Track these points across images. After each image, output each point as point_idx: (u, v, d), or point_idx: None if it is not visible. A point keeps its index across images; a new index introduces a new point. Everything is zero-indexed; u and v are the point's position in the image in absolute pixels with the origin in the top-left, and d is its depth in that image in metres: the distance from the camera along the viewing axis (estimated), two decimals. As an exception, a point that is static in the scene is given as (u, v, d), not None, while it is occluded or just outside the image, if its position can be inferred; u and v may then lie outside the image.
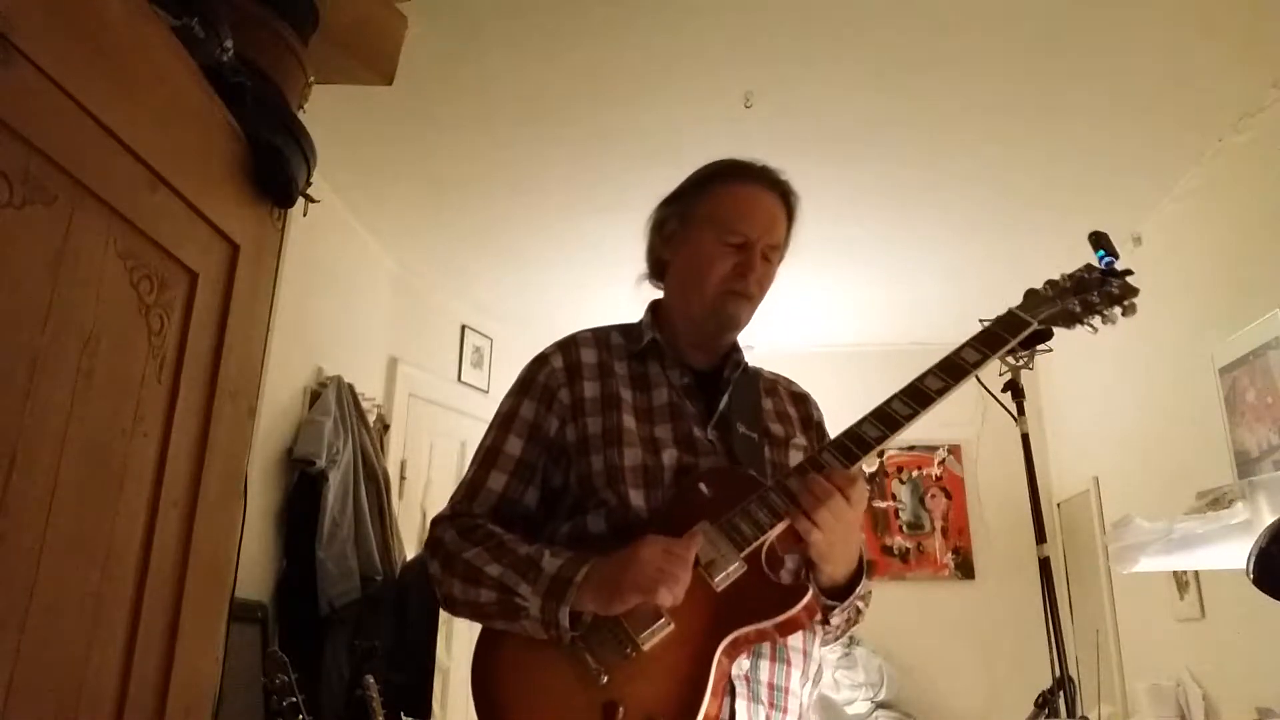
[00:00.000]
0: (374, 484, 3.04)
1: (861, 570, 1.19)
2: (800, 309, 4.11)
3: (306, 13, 1.62)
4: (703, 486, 1.17)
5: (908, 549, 4.40)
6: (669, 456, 1.21)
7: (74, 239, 0.97)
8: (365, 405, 3.19)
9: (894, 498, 4.47)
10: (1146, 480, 3.26)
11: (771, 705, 1.13)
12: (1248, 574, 1.57)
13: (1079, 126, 2.68)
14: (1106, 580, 3.60)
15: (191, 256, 1.20)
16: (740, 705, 1.10)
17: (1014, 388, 2.00)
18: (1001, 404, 2.03)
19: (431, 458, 3.89)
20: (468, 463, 1.30)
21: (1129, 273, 1.35)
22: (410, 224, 3.47)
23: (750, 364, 1.38)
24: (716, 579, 1.07)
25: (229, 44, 1.29)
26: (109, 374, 1.03)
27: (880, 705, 4.00)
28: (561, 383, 1.28)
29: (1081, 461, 3.94)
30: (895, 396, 1.18)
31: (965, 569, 4.35)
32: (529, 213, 3.32)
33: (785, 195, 1.33)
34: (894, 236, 3.46)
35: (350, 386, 3.07)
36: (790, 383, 1.45)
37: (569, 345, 1.33)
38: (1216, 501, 2.20)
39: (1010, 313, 1.30)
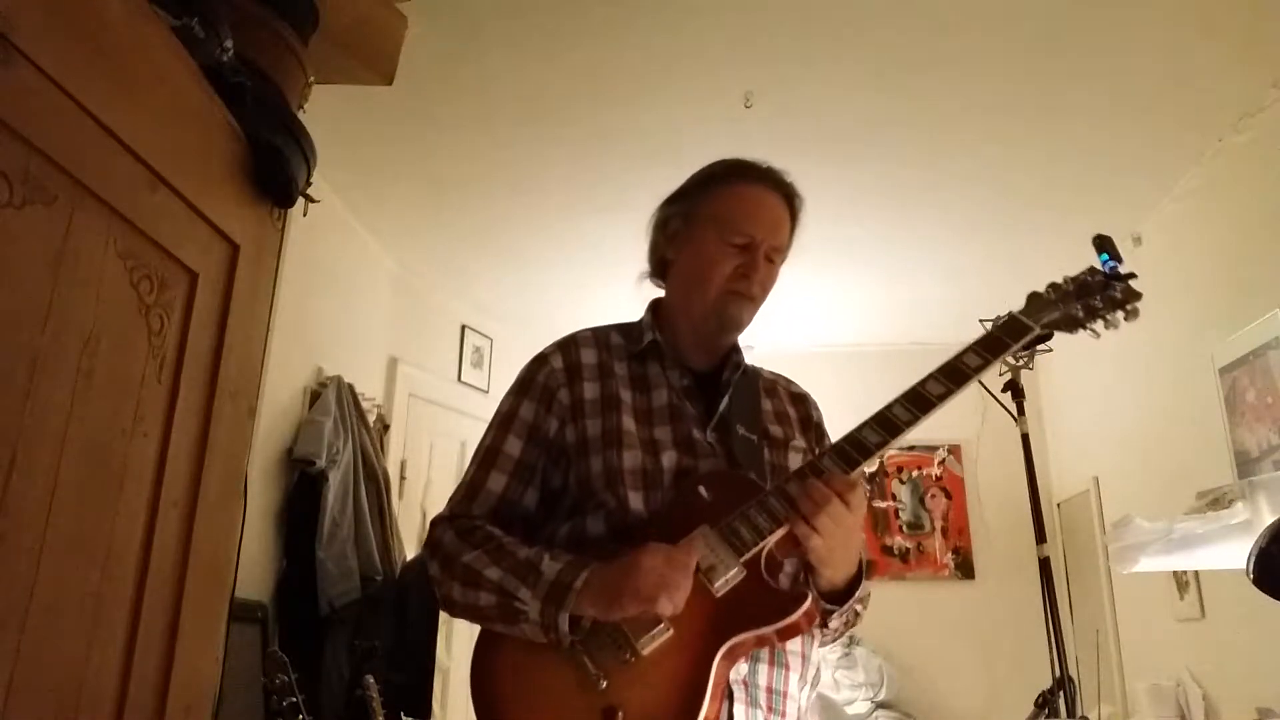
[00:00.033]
0: (374, 484, 3.04)
1: (861, 574, 1.19)
2: (800, 309, 4.11)
3: (306, 13, 1.62)
4: (702, 490, 1.16)
5: (908, 549, 4.40)
6: (668, 459, 1.21)
7: (74, 239, 0.97)
8: (365, 405, 3.19)
9: (894, 498, 4.47)
10: (1146, 480, 3.26)
11: (770, 709, 1.13)
12: (1248, 574, 1.57)
13: (1079, 126, 2.68)
14: (1106, 580, 3.60)
15: (191, 256, 1.20)
16: (739, 710, 1.10)
17: (1014, 388, 2.00)
18: (1001, 404, 2.03)
19: (431, 458, 3.89)
20: (467, 463, 1.30)
21: (1132, 276, 1.34)
22: (410, 224, 3.47)
23: (750, 363, 1.38)
24: (716, 584, 1.07)
25: (229, 44, 1.29)
26: (109, 374, 1.03)
27: (880, 705, 4.00)
28: (561, 383, 1.27)
29: (1081, 461, 3.94)
30: (896, 401, 1.18)
31: (965, 569, 4.35)
32: (529, 212, 3.32)
33: (790, 198, 1.33)
34: (894, 236, 3.46)
35: (350, 386, 3.07)
36: (790, 382, 1.45)
37: (569, 345, 1.32)
38: (1216, 501, 2.20)
39: (1012, 317, 1.29)
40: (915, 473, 4.49)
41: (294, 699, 1.84)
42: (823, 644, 1.25)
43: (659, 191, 1.39)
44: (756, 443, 1.27)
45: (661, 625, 1.05)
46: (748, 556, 1.09)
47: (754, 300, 1.30)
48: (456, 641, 3.51)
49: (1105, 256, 1.34)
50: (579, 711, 1.04)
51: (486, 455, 1.26)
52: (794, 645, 1.16)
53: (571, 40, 2.36)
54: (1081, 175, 2.96)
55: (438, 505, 1.29)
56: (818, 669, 1.26)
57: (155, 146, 1.10)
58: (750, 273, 1.27)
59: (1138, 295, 1.33)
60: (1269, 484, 2.05)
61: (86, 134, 0.98)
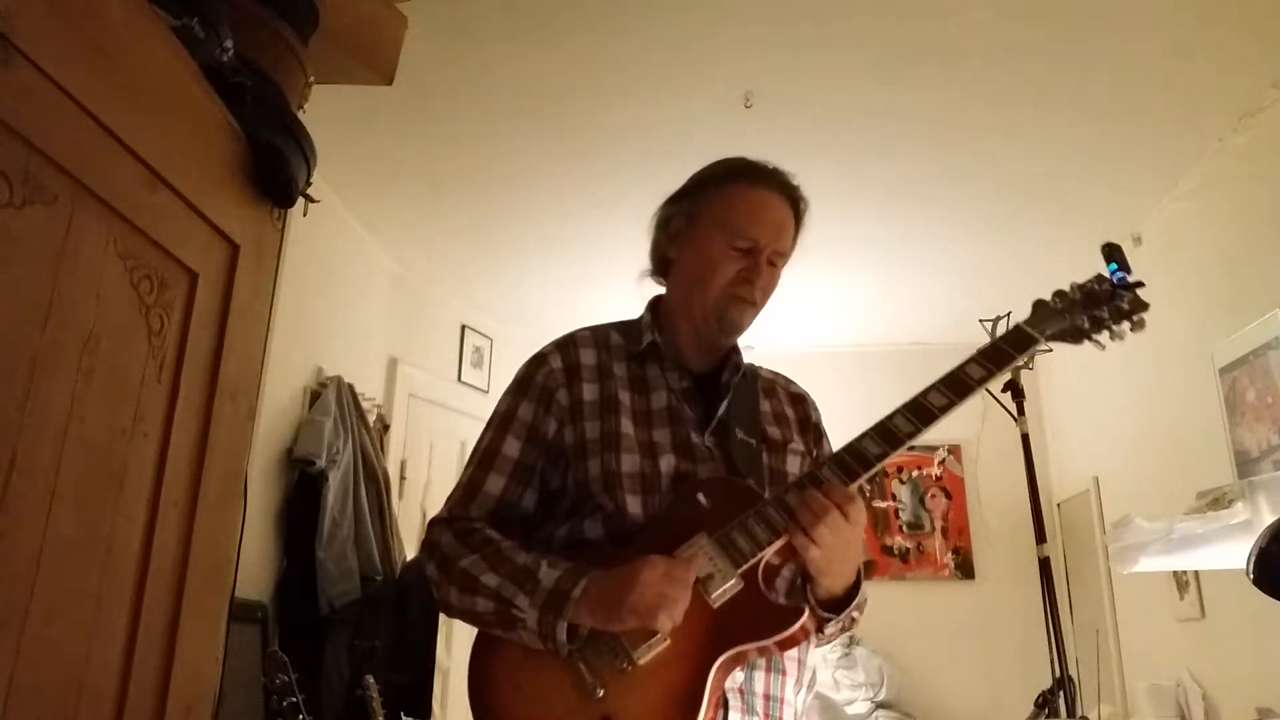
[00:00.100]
0: (374, 484, 3.04)
1: (859, 583, 1.19)
2: (801, 309, 4.11)
3: (306, 13, 1.62)
4: (701, 497, 1.16)
5: (908, 549, 4.40)
6: (667, 463, 1.20)
7: (74, 239, 0.97)
8: (365, 405, 3.19)
9: (894, 498, 4.47)
10: (1146, 480, 3.26)
11: (766, 716, 1.13)
12: (1248, 574, 1.57)
13: (1079, 126, 2.68)
14: (1106, 580, 3.60)
15: (191, 256, 1.20)
16: (734, 718, 1.10)
17: (1014, 388, 2.00)
18: (1001, 404, 2.03)
19: (431, 458, 3.89)
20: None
21: (1140, 285, 1.32)
22: (410, 223, 3.47)
23: (748, 362, 1.37)
24: (713, 595, 1.07)
25: (229, 44, 1.29)
26: (109, 374, 1.03)
27: (880, 705, 4.00)
28: (560, 384, 1.26)
29: (1081, 461, 3.94)
30: (898, 412, 1.16)
31: (965, 569, 4.35)
32: (529, 211, 3.32)
33: (795, 201, 1.31)
34: (894, 234, 3.46)
35: (350, 386, 3.07)
36: (789, 382, 1.44)
37: (567, 345, 1.32)
38: (1216, 501, 2.20)
39: (1018, 327, 1.28)
40: (915, 473, 4.49)
41: (294, 699, 1.84)
42: (818, 645, 1.25)
43: (659, 189, 1.38)
44: (755, 446, 1.26)
45: (658, 635, 1.05)
46: (745, 568, 1.08)
47: (755, 305, 1.29)
48: (456, 641, 3.51)
49: (1114, 266, 1.33)
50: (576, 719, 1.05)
51: (485, 456, 1.25)
52: (790, 651, 1.16)
53: (571, 38, 2.37)
54: (1082, 174, 2.96)
55: (438, 505, 1.28)
56: (813, 671, 1.25)
57: (155, 146, 1.10)
58: (752, 278, 1.26)
59: (1145, 306, 1.31)
60: (1269, 484, 2.05)
61: (86, 134, 0.98)
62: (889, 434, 1.14)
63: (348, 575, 2.77)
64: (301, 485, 2.80)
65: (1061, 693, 1.74)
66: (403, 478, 3.62)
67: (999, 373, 1.22)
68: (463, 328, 4.20)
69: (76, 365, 0.98)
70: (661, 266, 1.38)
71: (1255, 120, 2.56)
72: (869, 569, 4.28)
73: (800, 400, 1.41)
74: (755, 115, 2.63)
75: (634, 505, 1.17)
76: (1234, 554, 1.89)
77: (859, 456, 1.13)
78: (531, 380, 1.29)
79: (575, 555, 1.14)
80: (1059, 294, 1.34)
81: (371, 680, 2.24)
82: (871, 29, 2.30)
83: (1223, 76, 2.42)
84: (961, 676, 4.16)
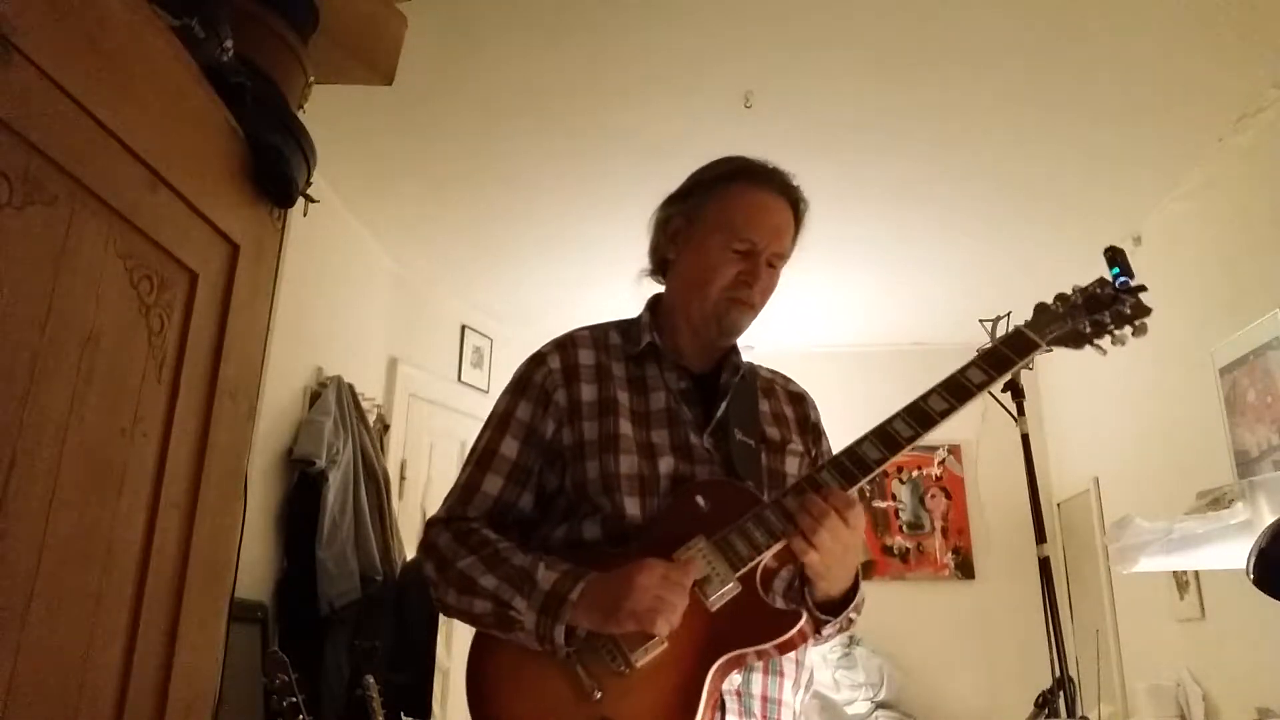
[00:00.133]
0: (374, 484, 3.04)
1: (857, 585, 1.19)
2: (801, 309, 4.11)
3: (306, 13, 1.62)
4: (699, 499, 1.16)
5: (908, 549, 4.40)
6: (665, 465, 1.20)
7: (74, 239, 0.97)
8: (365, 405, 3.19)
9: (894, 498, 4.47)
10: (1146, 480, 3.26)
11: (764, 717, 1.14)
12: (1248, 574, 1.57)
13: (1079, 126, 2.68)
14: (1106, 580, 3.60)
15: (191, 256, 1.19)
16: None
17: (1014, 388, 1.99)
18: (1001, 404, 2.02)
19: (431, 458, 3.89)
20: (465, 462, 1.29)
21: (1143, 289, 1.32)
22: (410, 223, 3.47)
23: (748, 361, 1.37)
24: (711, 598, 1.07)
25: (229, 44, 1.29)
26: (109, 374, 1.03)
27: (880, 705, 4.00)
28: (558, 384, 1.26)
29: (1081, 461, 3.94)
30: (898, 416, 1.17)
31: (965, 569, 4.35)
32: (529, 210, 3.32)
33: (795, 202, 1.31)
34: (895, 234, 3.46)
35: (350, 386, 3.07)
36: (788, 380, 1.43)
37: (566, 345, 1.31)
38: (1216, 501, 2.20)
39: (1019, 331, 1.28)
40: (915, 473, 4.49)
41: (294, 699, 1.84)
42: (815, 645, 1.25)
43: (659, 189, 1.38)
44: (754, 447, 1.26)
45: (655, 638, 1.05)
46: (743, 572, 1.09)
47: (754, 308, 1.29)
48: (456, 641, 3.51)
49: (1116, 270, 1.33)
50: None
51: (482, 456, 1.25)
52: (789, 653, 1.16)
53: (571, 38, 2.37)
54: (1082, 175, 2.96)
55: (437, 505, 1.28)
56: (811, 671, 1.25)
57: (155, 146, 1.10)
58: (751, 281, 1.26)
59: (1147, 311, 1.31)
60: (1269, 484, 2.05)
61: (86, 134, 0.98)
62: (888, 438, 1.14)
63: (348, 575, 2.77)
64: (301, 485, 2.80)
65: (1061, 693, 1.74)
66: (403, 478, 3.62)
67: (999, 378, 1.21)
68: (463, 328, 4.20)
69: (76, 365, 0.98)
70: (660, 267, 1.38)
71: (1255, 120, 2.56)
72: (868, 569, 4.28)
73: (799, 399, 1.40)
74: (755, 115, 2.63)
75: (632, 507, 1.17)
76: (1234, 554, 1.89)
77: (858, 460, 1.13)
78: (530, 380, 1.28)
79: (573, 556, 1.14)
80: (1060, 297, 1.33)
81: (371, 680, 2.24)
82: (872, 29, 2.30)
83: (1223, 76, 2.42)
84: (961, 676, 4.16)
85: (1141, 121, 2.65)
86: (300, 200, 1.47)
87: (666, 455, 1.21)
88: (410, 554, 3.19)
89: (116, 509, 1.06)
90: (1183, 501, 2.46)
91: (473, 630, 1.17)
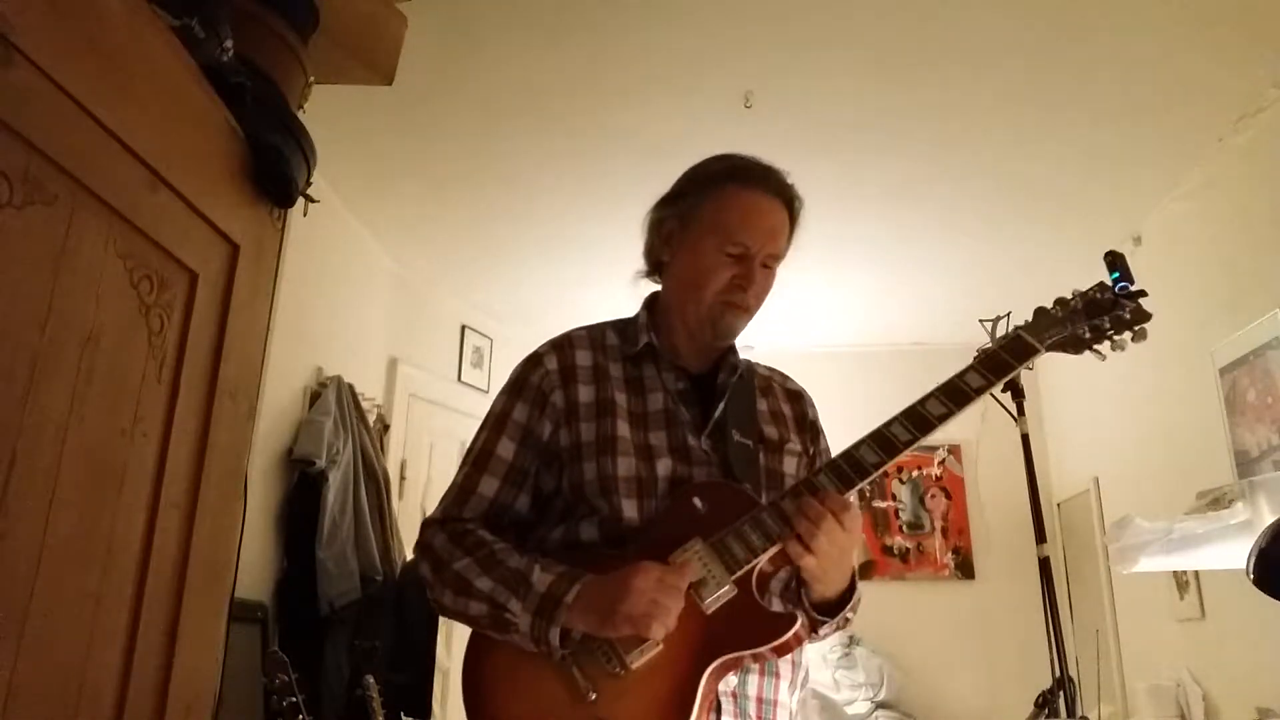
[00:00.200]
0: (374, 484, 3.04)
1: (854, 586, 1.19)
2: (801, 309, 4.11)
3: (306, 13, 1.62)
4: (697, 501, 1.15)
5: (908, 549, 4.40)
6: (663, 466, 1.20)
7: (74, 239, 0.97)
8: (365, 405, 3.19)
9: (894, 497, 4.47)
10: (1146, 480, 3.26)
11: (759, 719, 1.14)
12: (1248, 574, 1.57)
13: (1079, 126, 2.68)
14: (1106, 580, 3.60)
15: (191, 256, 1.20)
16: None
17: (1014, 388, 1.99)
18: (1001, 404, 2.02)
19: (431, 458, 3.89)
20: (464, 462, 1.29)
21: (1143, 294, 1.32)
22: (410, 223, 3.47)
23: (745, 359, 1.36)
24: (706, 601, 1.07)
25: (229, 44, 1.29)
26: (109, 374, 1.03)
27: (880, 705, 4.00)
28: (555, 385, 1.25)
29: (1081, 461, 3.94)
30: (895, 420, 1.17)
31: (965, 569, 4.35)
32: (529, 210, 3.32)
33: (789, 201, 1.29)
34: (894, 234, 3.46)
35: (350, 386, 3.07)
36: (786, 378, 1.43)
37: (563, 345, 1.31)
38: (1216, 501, 2.20)
39: (1018, 335, 1.28)
40: (915, 472, 4.49)
41: (294, 699, 1.84)
42: (812, 644, 1.25)
43: (659, 189, 1.37)
44: (752, 448, 1.26)
45: (651, 640, 1.05)
46: (739, 574, 1.08)
47: (748, 311, 1.28)
48: (456, 641, 3.51)
49: (1116, 275, 1.33)
50: None
51: (479, 457, 1.25)
52: None
53: (571, 38, 2.36)
54: (1082, 175, 2.96)
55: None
56: (806, 671, 1.25)
57: (155, 146, 1.10)
58: (745, 285, 1.25)
59: (1147, 316, 1.31)
60: (1269, 484, 2.05)
61: (86, 134, 0.98)
62: (886, 442, 1.15)
63: (348, 575, 2.77)
64: (301, 485, 2.80)
65: (1061, 693, 1.74)
66: (403, 478, 3.62)
67: (998, 382, 1.22)
68: (463, 328, 4.20)
69: (76, 365, 0.98)
70: (655, 268, 1.37)
71: (1255, 120, 2.56)
72: (868, 569, 4.28)
73: (797, 397, 1.40)
74: (755, 115, 2.63)
75: (629, 509, 1.17)
76: (1234, 554, 1.89)
77: (856, 464, 1.13)
78: (526, 381, 1.28)
79: (570, 558, 1.14)
80: (1060, 301, 1.33)
81: (371, 680, 2.24)
82: (872, 29, 2.30)
83: (1223, 76, 2.42)
84: (961, 676, 4.16)
85: (1141, 121, 2.65)
86: (300, 200, 1.47)
87: (664, 457, 1.20)
88: (410, 554, 3.18)
89: (116, 509, 1.06)
90: (1183, 501, 2.46)
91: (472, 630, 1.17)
